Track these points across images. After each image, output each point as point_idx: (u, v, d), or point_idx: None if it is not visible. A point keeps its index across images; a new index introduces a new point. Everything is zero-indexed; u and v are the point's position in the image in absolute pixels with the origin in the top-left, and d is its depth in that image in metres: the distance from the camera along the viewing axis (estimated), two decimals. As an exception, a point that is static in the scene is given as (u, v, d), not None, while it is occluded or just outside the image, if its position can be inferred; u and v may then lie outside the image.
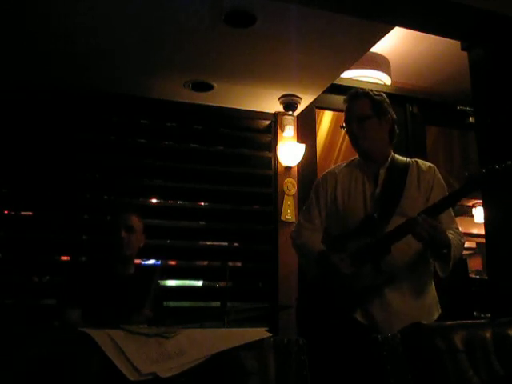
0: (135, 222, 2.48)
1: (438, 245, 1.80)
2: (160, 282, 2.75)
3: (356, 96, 2.07)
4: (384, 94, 2.11)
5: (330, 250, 2.01)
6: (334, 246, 2.02)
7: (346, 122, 2.08)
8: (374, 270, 1.87)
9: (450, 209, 1.98)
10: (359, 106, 2.04)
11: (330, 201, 2.09)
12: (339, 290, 1.94)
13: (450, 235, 1.84)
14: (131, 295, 2.33)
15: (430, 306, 1.95)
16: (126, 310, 2.20)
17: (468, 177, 1.77)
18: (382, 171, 2.03)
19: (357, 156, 2.15)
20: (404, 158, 2.08)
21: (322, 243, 2.08)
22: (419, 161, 2.09)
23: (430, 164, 2.08)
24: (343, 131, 2.13)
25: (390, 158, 2.06)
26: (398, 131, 2.11)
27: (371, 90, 2.09)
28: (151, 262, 3.81)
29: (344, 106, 2.11)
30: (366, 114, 2.01)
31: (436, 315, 1.94)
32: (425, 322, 1.80)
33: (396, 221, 1.88)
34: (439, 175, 2.04)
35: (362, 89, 2.13)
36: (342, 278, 1.90)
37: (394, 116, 2.09)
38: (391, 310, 1.87)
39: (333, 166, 2.24)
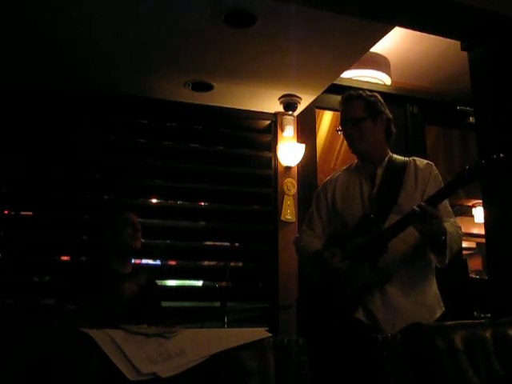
0: (138, 220, 2.58)
1: (435, 233, 1.80)
2: (158, 282, 2.75)
3: (349, 98, 2.09)
4: (378, 95, 2.13)
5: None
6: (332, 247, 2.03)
7: (341, 124, 2.10)
8: (371, 268, 1.87)
9: (448, 204, 2.00)
10: (353, 108, 2.06)
11: (331, 206, 2.12)
12: (337, 289, 1.94)
13: (446, 224, 1.85)
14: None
15: (432, 304, 1.95)
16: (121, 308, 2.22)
17: (459, 171, 1.77)
18: (380, 171, 2.05)
19: (355, 160, 2.18)
20: (402, 158, 2.09)
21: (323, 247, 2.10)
22: (417, 159, 2.10)
23: (427, 161, 2.09)
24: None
25: (387, 158, 2.08)
26: (394, 130, 2.12)
27: (364, 91, 2.11)
28: (150, 262, 3.82)
29: (339, 109, 2.13)
30: (360, 116, 2.03)
31: (439, 313, 1.94)
32: (427, 320, 1.81)
33: (393, 219, 1.89)
34: (436, 171, 2.04)
35: (356, 91, 2.14)
36: (335, 272, 1.91)
37: (390, 115, 2.10)
38: (393, 308, 1.87)
39: (332, 174, 2.27)
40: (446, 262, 1.84)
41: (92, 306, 2.17)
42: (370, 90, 2.17)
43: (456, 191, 1.81)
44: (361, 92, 2.10)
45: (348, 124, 2.05)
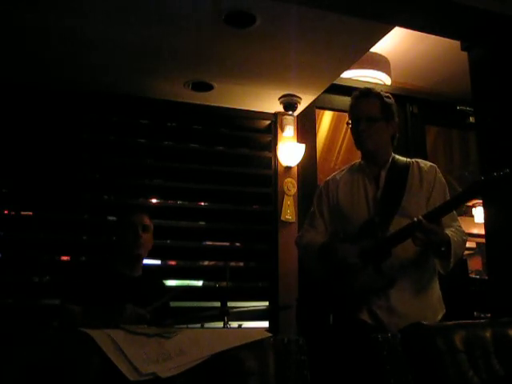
0: (149, 222, 2.51)
1: (436, 244, 1.80)
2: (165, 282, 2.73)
3: (367, 95, 2.05)
4: (391, 97, 2.09)
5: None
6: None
7: (353, 119, 2.05)
8: (374, 273, 1.87)
9: None
10: (369, 106, 2.02)
11: (333, 206, 2.10)
12: (341, 289, 1.93)
13: (449, 232, 1.84)
14: (138, 297, 2.29)
15: (434, 306, 1.95)
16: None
17: (468, 185, 1.76)
18: (383, 173, 2.03)
19: (357, 160, 2.16)
20: (404, 159, 2.08)
21: None
22: (420, 161, 2.09)
23: (431, 163, 2.08)
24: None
25: (390, 159, 2.06)
26: (398, 135, 2.11)
27: (381, 91, 2.08)
28: (149, 261, 3.80)
29: (352, 102, 2.08)
30: (376, 116, 2.00)
31: (441, 315, 1.94)
32: (430, 322, 1.81)
33: (398, 222, 1.88)
34: (440, 174, 2.04)
35: (373, 88, 2.10)
36: (348, 265, 1.90)
37: (397, 120, 2.09)
38: (398, 311, 1.86)
39: (334, 172, 2.23)
40: (450, 269, 1.84)
41: (96, 308, 2.14)
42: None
43: (462, 204, 1.81)
44: (379, 91, 2.06)
45: (362, 121, 1.99)
